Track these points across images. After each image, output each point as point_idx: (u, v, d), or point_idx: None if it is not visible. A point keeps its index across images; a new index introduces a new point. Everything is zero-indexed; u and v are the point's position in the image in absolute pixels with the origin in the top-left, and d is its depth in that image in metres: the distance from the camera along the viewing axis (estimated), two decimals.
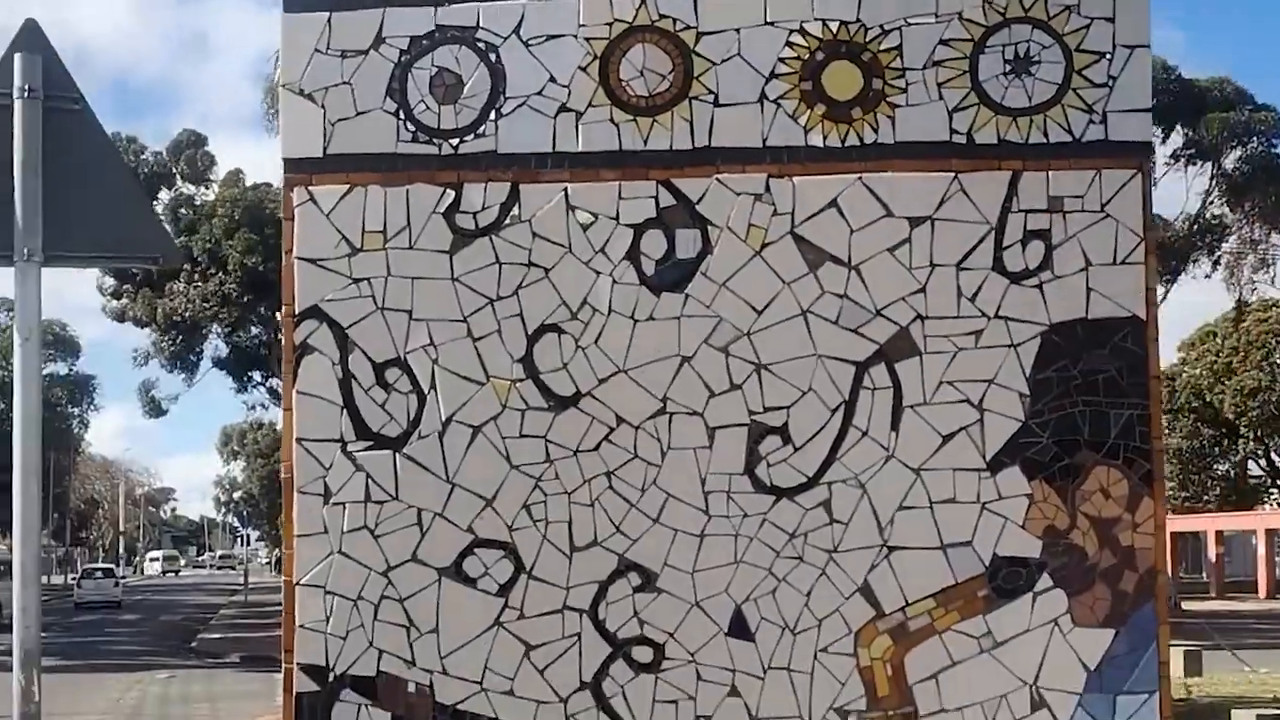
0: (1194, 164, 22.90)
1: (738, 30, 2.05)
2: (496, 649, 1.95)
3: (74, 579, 46.49)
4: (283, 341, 2.03)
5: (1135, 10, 2.03)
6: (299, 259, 2.02)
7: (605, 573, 1.96)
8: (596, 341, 1.99)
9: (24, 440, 4.77)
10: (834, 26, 2.04)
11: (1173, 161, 22.55)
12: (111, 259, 5.30)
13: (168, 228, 10.99)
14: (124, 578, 51.21)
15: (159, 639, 34.92)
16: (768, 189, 2.02)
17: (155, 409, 38.90)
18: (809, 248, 2.00)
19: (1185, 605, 29.18)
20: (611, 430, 1.98)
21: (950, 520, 1.96)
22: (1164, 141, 23.44)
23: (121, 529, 75.75)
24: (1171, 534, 43.69)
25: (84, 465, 79.10)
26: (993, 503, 1.96)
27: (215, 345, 32.89)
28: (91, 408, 70.96)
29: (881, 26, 2.04)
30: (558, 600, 1.96)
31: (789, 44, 2.04)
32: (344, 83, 2.05)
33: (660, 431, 1.98)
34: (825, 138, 2.02)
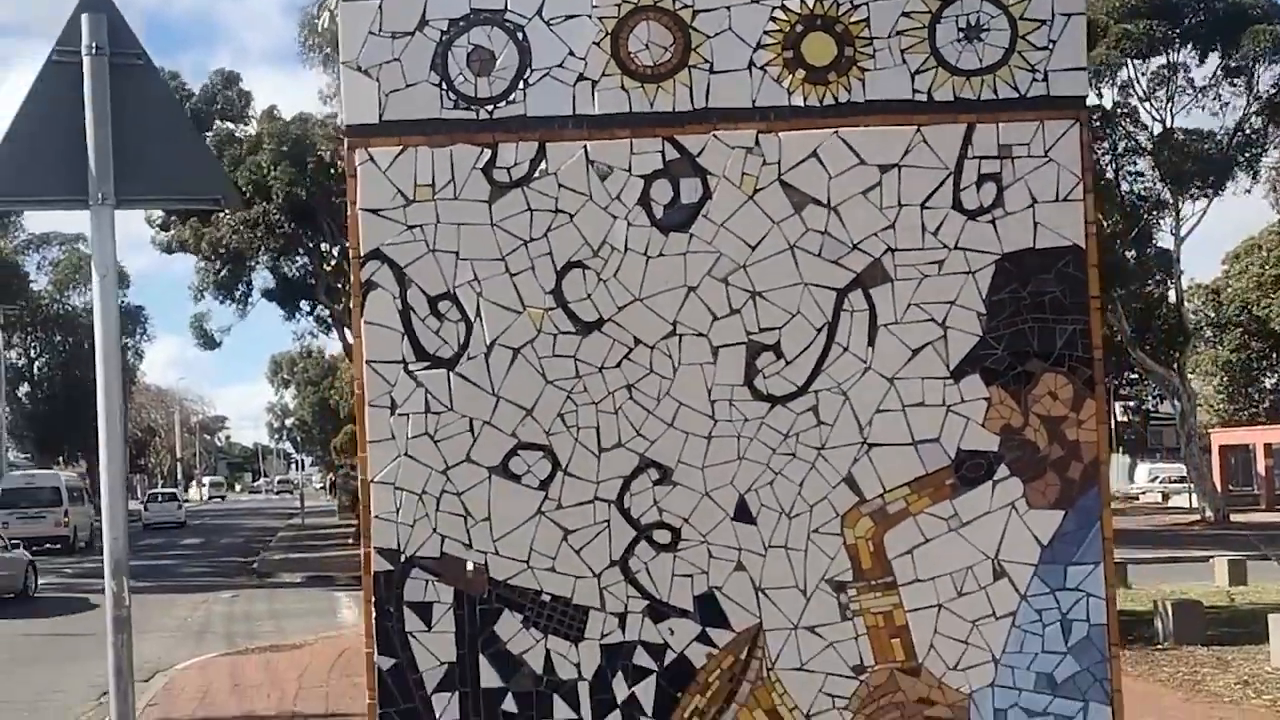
0: (1233, 83, 22.89)
1: (728, 8, 2.38)
2: (539, 534, 2.33)
3: (140, 503, 47.86)
4: (351, 280, 2.40)
5: None
6: (362, 210, 2.38)
7: (629, 469, 2.32)
8: (615, 275, 2.35)
9: (105, 370, 5.27)
10: (810, 2, 2.37)
11: (1213, 81, 22.57)
12: (176, 201, 5.71)
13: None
14: (185, 501, 52.77)
15: (221, 561, 35.87)
16: (757, 143, 2.35)
17: (209, 341, 39.32)
18: (794, 192, 2.34)
19: (1234, 518, 29.29)
20: (630, 350, 2.34)
21: (920, 421, 2.31)
22: (1202, 63, 23.42)
23: (179, 456, 77.16)
24: (1220, 447, 43.64)
25: (140, 395, 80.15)
26: (956, 405, 2.31)
27: (263, 276, 33.12)
28: (144, 338, 70.75)
29: (851, 1, 2.37)
30: (589, 493, 2.33)
31: (772, 18, 2.37)
32: (394, 60, 2.39)
33: (672, 350, 2.34)
34: (805, 99, 2.35)
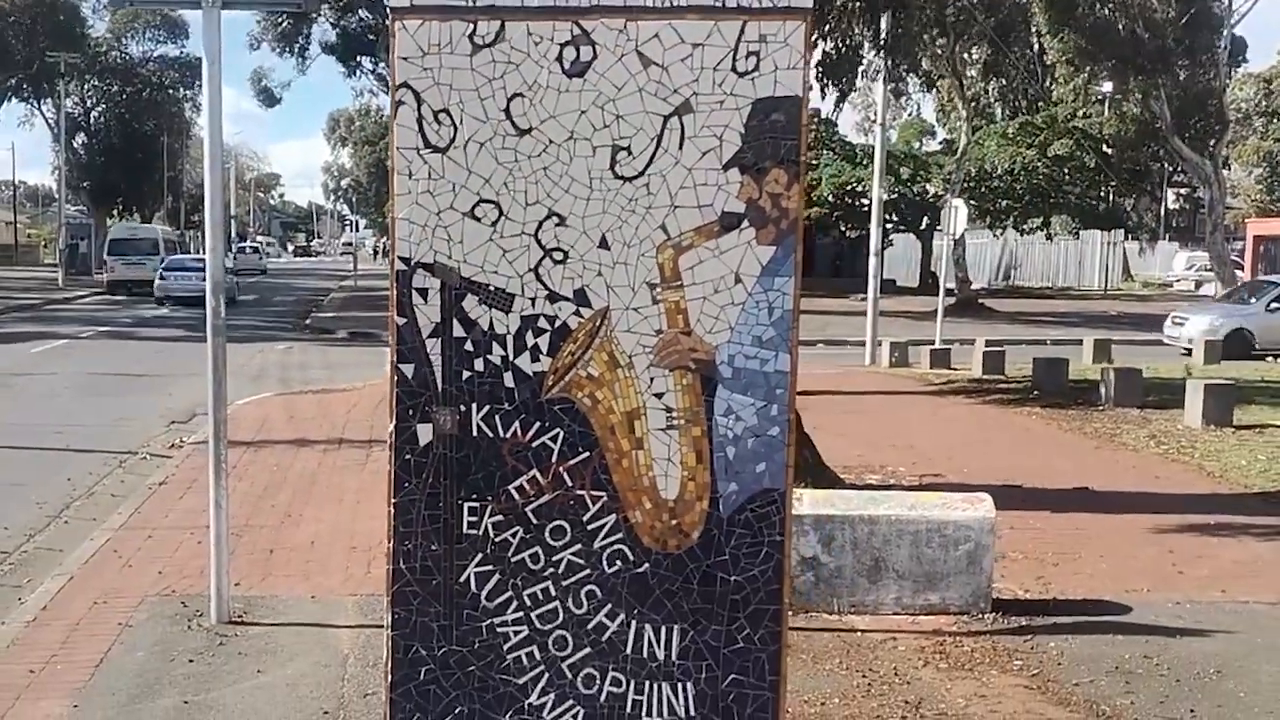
0: None
1: None
2: (489, 251, 4.11)
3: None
4: (390, 99, 4.13)
5: None
6: (398, 57, 4.05)
7: (542, 216, 4.02)
8: (540, 101, 4.03)
9: (211, 150, 7.20)
10: None
11: None
12: (267, 5, 7.41)
13: None
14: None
15: (277, 317, 37.76)
16: (625, 28, 4.01)
17: (268, 98, 40.15)
18: (643, 58, 4.00)
19: None
20: (546, 147, 4.03)
21: (704, 195, 4.03)
22: None
23: (232, 213, 78.71)
24: (1254, 237, 44.35)
25: (195, 149, 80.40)
26: (724, 185, 4.05)
27: (324, 28, 33.41)
28: (201, 90, 71.69)
29: None
30: (518, 230, 4.04)
31: None
32: None
33: (570, 148, 4.02)
34: (654, 2, 4.03)
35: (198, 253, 44.99)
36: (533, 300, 4.10)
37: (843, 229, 51.96)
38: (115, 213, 70.42)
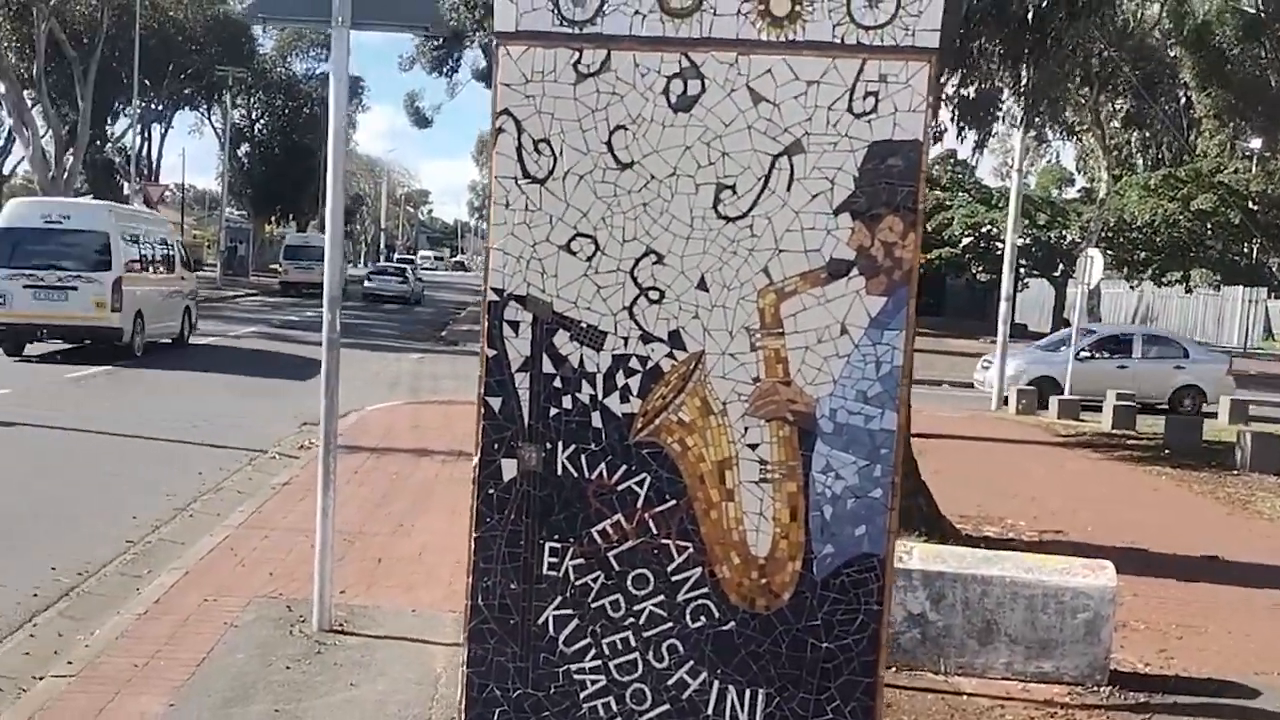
0: None
1: None
2: (583, 287, 3.98)
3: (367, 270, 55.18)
4: (491, 128, 4.03)
5: None
6: (500, 84, 3.96)
7: (639, 254, 3.90)
8: (644, 135, 3.91)
9: (334, 162, 7.17)
10: None
11: None
12: (395, 27, 7.42)
13: None
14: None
15: (416, 327, 38.45)
16: (736, 61, 3.86)
17: (420, 119, 41.32)
18: (754, 94, 3.84)
19: None
20: (647, 182, 3.89)
21: (811, 238, 3.86)
22: None
23: (383, 226, 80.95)
24: None
25: (351, 162, 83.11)
26: (834, 230, 3.85)
27: (475, 55, 34.39)
28: (359, 108, 73.46)
29: None
30: (614, 266, 3.94)
31: None
32: None
33: (672, 184, 3.88)
34: (767, 36, 3.84)
35: (379, 260, 51.95)
36: (625, 339, 3.94)
37: (975, 271, 51.13)
38: (273, 219, 72.85)
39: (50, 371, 20.02)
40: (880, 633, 3.91)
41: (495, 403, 4.01)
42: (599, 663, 4.02)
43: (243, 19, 45.30)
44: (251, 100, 69.56)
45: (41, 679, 6.37)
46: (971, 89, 16.87)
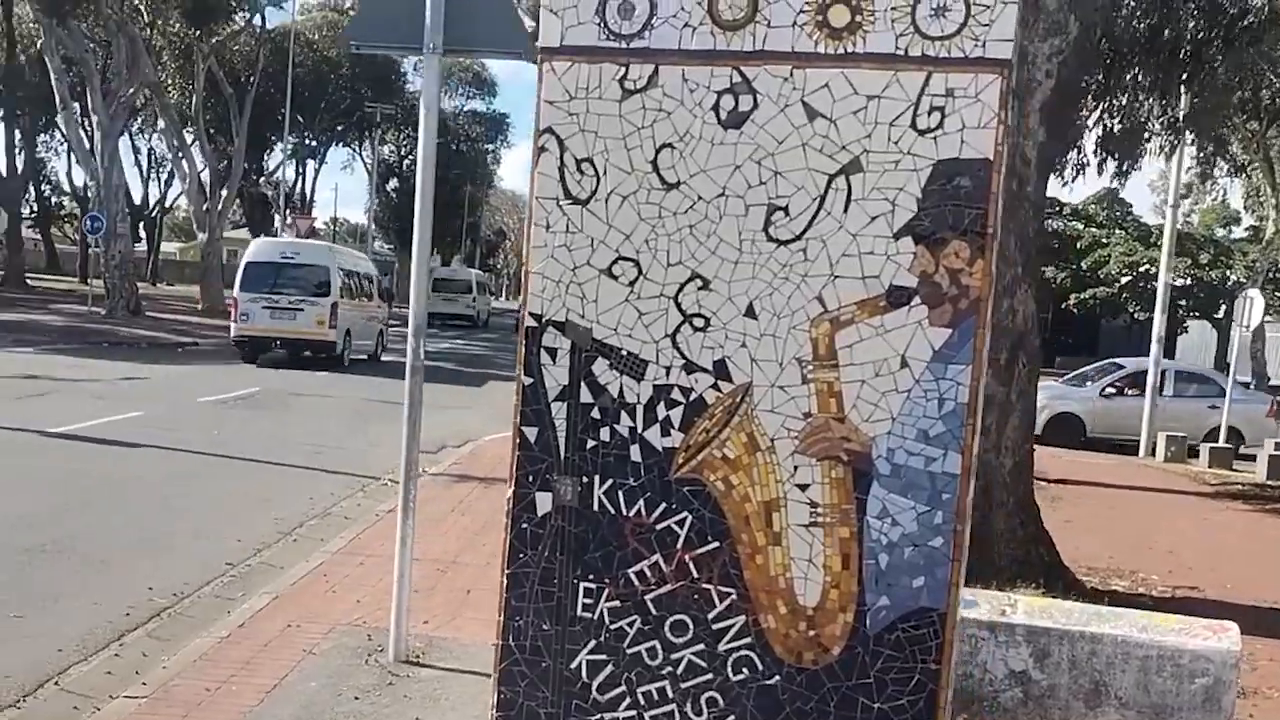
0: None
1: None
2: (624, 313, 3.75)
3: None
4: (532, 145, 3.83)
5: None
6: (543, 100, 3.78)
7: (684, 279, 3.66)
8: (691, 154, 3.67)
9: (423, 183, 7.05)
10: None
11: None
12: (487, 53, 7.32)
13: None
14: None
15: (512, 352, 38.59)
16: (791, 75, 3.60)
17: None
18: (809, 109, 3.59)
19: None
20: (694, 203, 3.66)
21: (869, 264, 3.56)
22: None
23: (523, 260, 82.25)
24: None
25: (495, 198, 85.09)
26: (894, 255, 3.55)
27: None
28: (504, 144, 74.85)
29: None
30: (658, 291, 3.70)
31: None
32: (573, 6, 3.77)
33: (720, 205, 3.64)
34: (825, 48, 3.58)
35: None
36: (667, 369, 3.70)
37: (1131, 312, 49.55)
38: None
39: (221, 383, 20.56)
40: (939, 695, 3.58)
41: (531, 433, 3.80)
42: (633, 712, 3.76)
43: (342, 47, 46.56)
44: (400, 137, 71.23)
45: (115, 699, 6.37)
46: (1116, 121, 16.27)
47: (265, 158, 65.17)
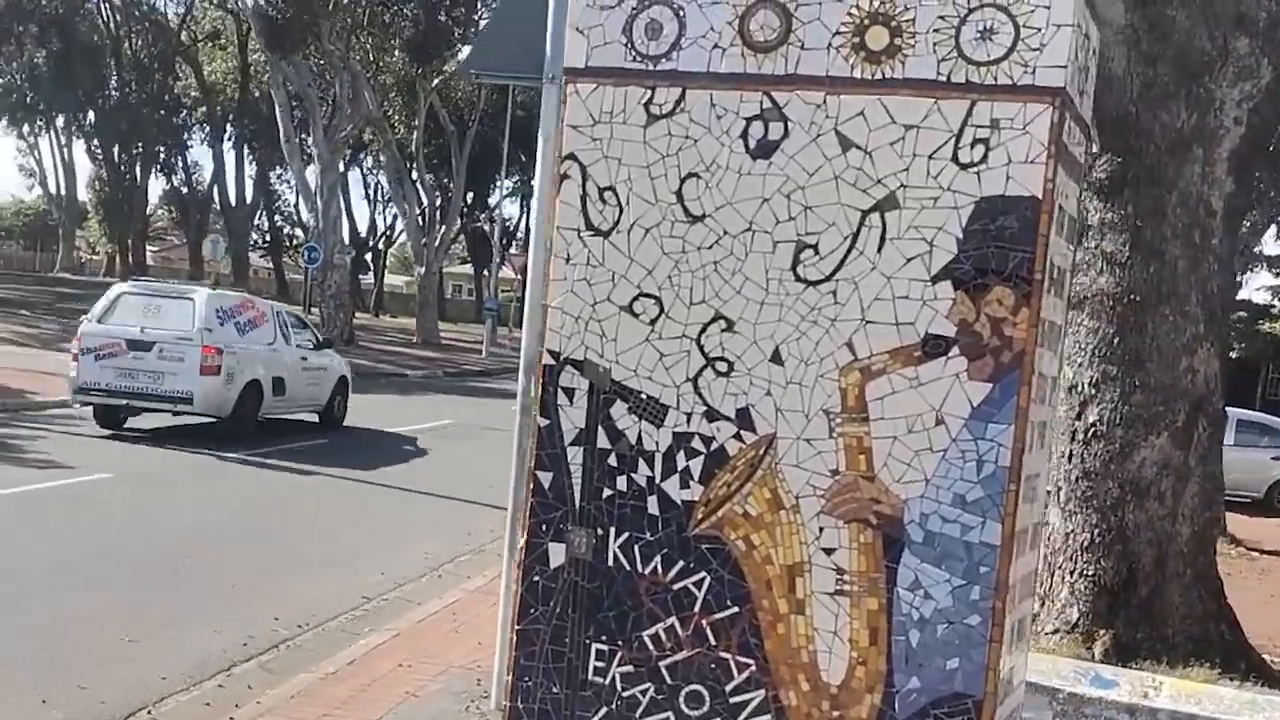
0: None
1: (819, 3, 3.34)
2: (645, 354, 3.49)
3: None
4: (555, 171, 3.61)
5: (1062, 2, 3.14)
6: (567, 125, 3.56)
7: (707, 318, 3.40)
8: (717, 185, 3.41)
9: (537, 220, 6.81)
10: (876, 3, 3.29)
11: None
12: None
13: None
14: None
15: None
16: (824, 102, 3.32)
17: None
18: (843, 139, 3.30)
19: None
20: (719, 238, 3.39)
21: (904, 309, 3.25)
22: None
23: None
24: None
25: None
26: (931, 301, 3.23)
27: None
28: None
29: (905, 4, 3.27)
30: (680, 331, 3.44)
31: (849, 14, 3.31)
32: (599, 25, 3.54)
33: (746, 241, 3.36)
34: (862, 73, 3.29)
35: None
36: (688, 416, 3.43)
37: None
38: None
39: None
40: None
41: (545, 478, 3.56)
42: None
43: (460, 76, 47.00)
44: None
45: None
46: None
47: (488, 194, 66.20)
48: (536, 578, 3.59)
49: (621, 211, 3.50)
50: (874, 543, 3.27)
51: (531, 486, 3.59)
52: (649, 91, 3.47)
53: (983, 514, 3.17)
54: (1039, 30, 3.13)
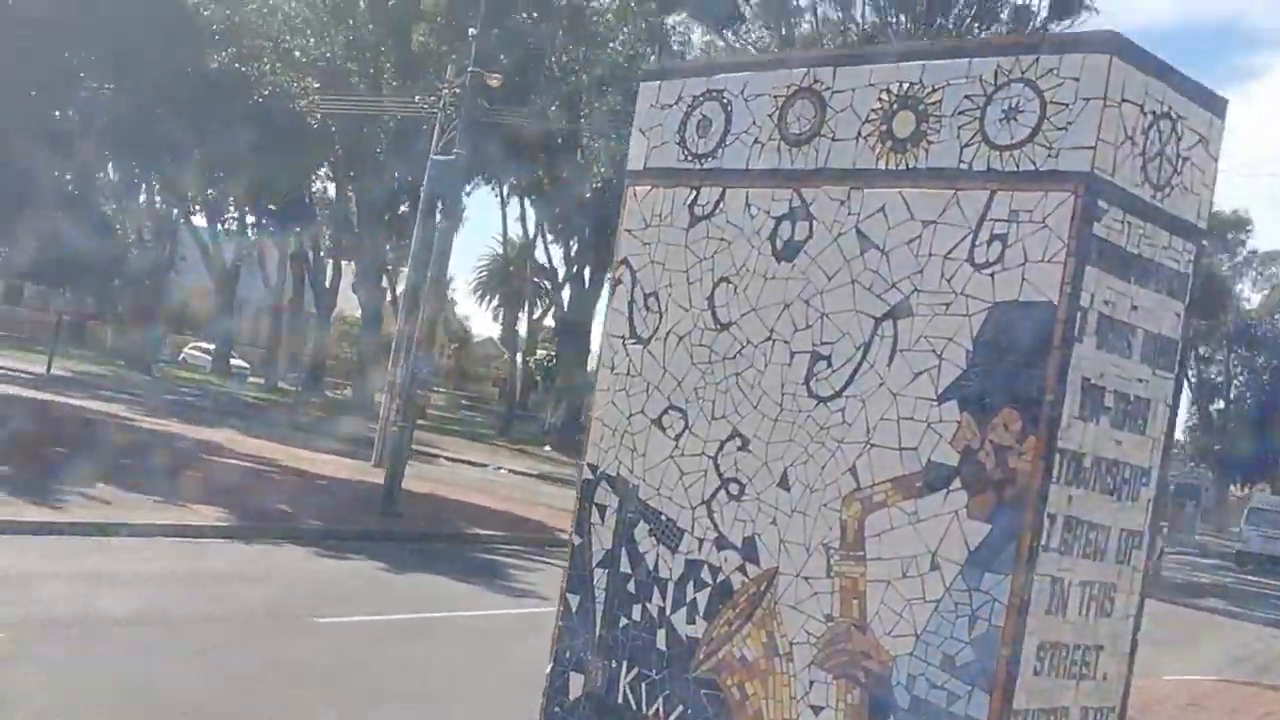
0: None
1: (852, 90, 3.00)
2: (668, 471, 3.21)
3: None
4: (611, 277, 3.45)
5: (1093, 72, 2.62)
6: (623, 230, 3.42)
7: (725, 435, 3.09)
8: (744, 290, 3.12)
9: None
10: (905, 86, 2.91)
11: None
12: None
13: None
14: None
15: None
16: (848, 197, 2.96)
17: None
18: (863, 238, 2.91)
19: None
20: (742, 347, 3.09)
21: (908, 431, 2.78)
22: None
23: None
24: None
25: None
26: (936, 423, 2.74)
27: None
28: None
29: (932, 85, 2.86)
30: (699, 448, 3.14)
31: (878, 99, 2.95)
32: (659, 125, 3.39)
33: (766, 351, 3.05)
34: (887, 164, 2.91)
35: None
36: (700, 542, 3.13)
37: None
38: (1237, 482, 67.78)
39: None
40: None
41: (574, 601, 3.37)
42: None
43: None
44: (1230, 356, 65.42)
45: None
46: None
47: None
48: (557, 708, 3.37)
49: (661, 318, 3.29)
50: (860, 705, 2.78)
51: (561, 609, 3.39)
52: (694, 192, 3.27)
53: (970, 682, 2.61)
54: (1066, 106, 2.64)
